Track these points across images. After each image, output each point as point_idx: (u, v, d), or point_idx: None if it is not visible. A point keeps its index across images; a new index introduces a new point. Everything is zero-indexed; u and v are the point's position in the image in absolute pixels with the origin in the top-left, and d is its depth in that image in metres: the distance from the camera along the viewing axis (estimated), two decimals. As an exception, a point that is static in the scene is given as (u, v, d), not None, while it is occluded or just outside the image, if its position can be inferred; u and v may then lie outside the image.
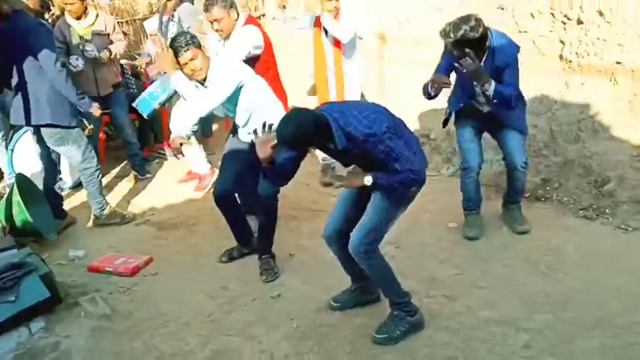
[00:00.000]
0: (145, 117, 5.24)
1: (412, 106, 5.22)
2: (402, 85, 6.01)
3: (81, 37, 4.99)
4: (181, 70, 3.65)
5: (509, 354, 2.86)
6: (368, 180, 2.75)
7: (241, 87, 3.60)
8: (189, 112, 3.86)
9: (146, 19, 7.20)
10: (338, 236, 3.08)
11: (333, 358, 2.90)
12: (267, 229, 3.74)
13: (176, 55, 3.54)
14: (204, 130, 6.19)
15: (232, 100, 3.62)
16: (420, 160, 2.84)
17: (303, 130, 2.61)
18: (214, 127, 6.57)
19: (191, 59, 3.51)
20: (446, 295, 3.36)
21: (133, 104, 5.10)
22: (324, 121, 2.65)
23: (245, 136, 3.78)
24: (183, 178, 5.56)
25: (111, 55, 5.14)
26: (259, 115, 3.56)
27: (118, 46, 5.26)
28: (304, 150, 2.88)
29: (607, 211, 4.23)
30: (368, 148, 2.67)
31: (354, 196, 3.01)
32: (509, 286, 3.46)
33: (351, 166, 3.02)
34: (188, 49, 3.49)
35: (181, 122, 3.98)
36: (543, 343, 2.92)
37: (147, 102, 5.03)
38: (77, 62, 4.80)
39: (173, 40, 3.59)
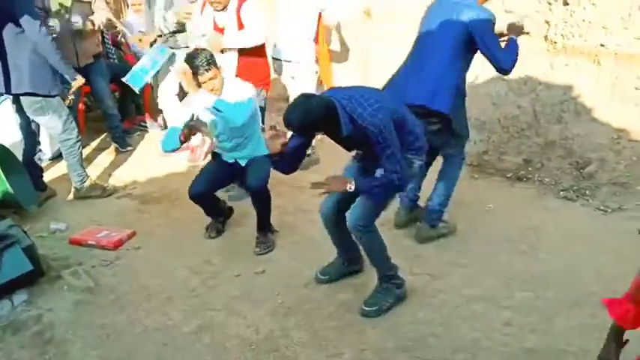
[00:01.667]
0: (137, 91, 5.19)
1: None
2: (387, 61, 5.98)
3: (61, 5, 4.84)
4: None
5: (490, 330, 2.91)
6: (350, 186, 2.79)
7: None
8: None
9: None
10: (334, 215, 3.14)
11: (319, 333, 2.93)
12: (266, 214, 3.82)
13: (195, 73, 3.55)
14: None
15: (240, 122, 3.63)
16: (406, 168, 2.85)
17: (312, 116, 2.63)
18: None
19: (211, 78, 3.55)
20: (429, 273, 3.40)
21: (124, 79, 5.03)
22: (332, 106, 2.66)
23: (229, 158, 3.89)
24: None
25: (94, 26, 5.02)
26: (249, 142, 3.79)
27: (101, 16, 5.14)
28: (312, 135, 2.88)
29: (587, 192, 4.31)
30: (368, 137, 2.68)
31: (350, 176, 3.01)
32: (491, 265, 3.52)
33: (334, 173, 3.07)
34: (209, 69, 3.52)
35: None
36: (524, 320, 2.98)
37: (138, 76, 4.99)
38: (54, 24, 4.65)
39: (193, 58, 3.55)
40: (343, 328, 2.96)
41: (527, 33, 3.66)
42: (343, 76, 6.20)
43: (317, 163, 5.41)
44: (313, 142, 5.71)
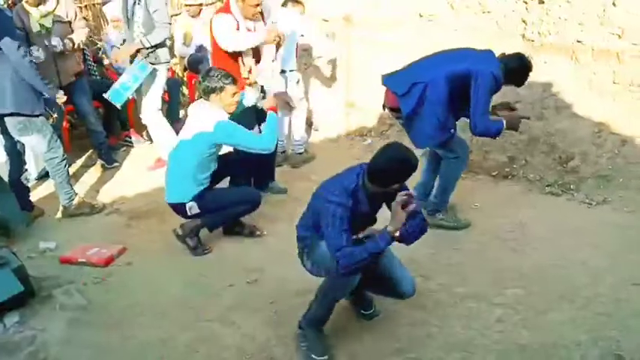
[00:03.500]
0: (119, 107, 5.19)
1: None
2: (369, 67, 6.04)
3: (41, 26, 4.84)
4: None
5: (484, 328, 2.95)
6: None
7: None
8: None
9: (105, 3, 7.03)
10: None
11: (314, 339, 2.93)
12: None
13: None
14: (172, 114, 6.16)
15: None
16: None
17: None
18: (182, 112, 6.51)
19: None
20: (422, 274, 3.42)
21: (105, 95, 5.02)
22: None
23: None
24: (151, 166, 5.50)
25: (74, 46, 5.01)
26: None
27: (80, 35, 5.13)
28: None
29: (572, 186, 4.37)
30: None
31: None
32: (481, 263, 3.56)
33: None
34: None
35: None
36: (516, 316, 3.03)
37: (119, 93, 4.99)
38: (38, 54, 4.66)
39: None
40: (338, 333, 2.98)
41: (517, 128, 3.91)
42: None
43: (313, 160, 5.59)
44: (309, 140, 5.86)
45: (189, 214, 3.86)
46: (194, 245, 3.93)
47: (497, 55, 3.72)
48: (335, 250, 2.57)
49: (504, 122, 3.72)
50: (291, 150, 5.65)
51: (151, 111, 5.26)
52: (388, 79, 3.89)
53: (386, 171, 2.62)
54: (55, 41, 4.85)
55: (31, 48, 4.46)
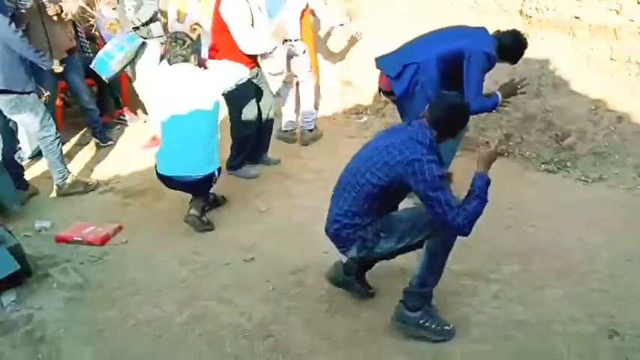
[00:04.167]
0: (106, 80, 5.11)
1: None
2: (365, 45, 6.00)
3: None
4: None
5: (480, 304, 2.97)
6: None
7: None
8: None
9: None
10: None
11: (312, 316, 2.95)
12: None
13: None
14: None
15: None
16: None
17: None
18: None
19: None
20: (418, 252, 3.42)
21: (91, 66, 4.96)
22: None
23: None
24: (146, 144, 5.46)
25: (61, 12, 4.91)
26: None
27: (71, 6, 5.04)
28: None
29: (568, 164, 4.38)
30: None
31: None
32: (477, 240, 3.52)
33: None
34: None
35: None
36: (512, 293, 3.04)
37: (103, 61, 4.88)
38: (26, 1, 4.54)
39: None
40: (335, 310, 2.99)
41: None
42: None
43: (320, 138, 5.47)
44: (317, 115, 5.74)
45: (213, 184, 3.81)
46: (207, 221, 3.91)
47: (491, 32, 3.68)
48: (454, 215, 2.50)
49: (499, 95, 3.70)
50: (300, 126, 5.50)
51: (145, 85, 5.19)
52: (381, 62, 3.86)
53: (454, 120, 2.69)
54: None
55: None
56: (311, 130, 5.43)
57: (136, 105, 6.16)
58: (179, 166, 3.70)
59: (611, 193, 4.05)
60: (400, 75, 3.68)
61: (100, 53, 4.93)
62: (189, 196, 3.92)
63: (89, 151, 5.52)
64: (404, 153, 2.54)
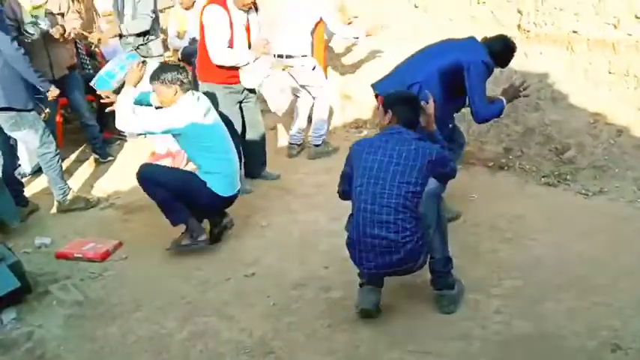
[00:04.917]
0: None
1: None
2: (365, 60, 6.04)
3: (34, 16, 4.78)
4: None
5: (482, 319, 2.95)
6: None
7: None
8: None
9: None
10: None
11: (313, 332, 2.94)
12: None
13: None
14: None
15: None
16: None
17: None
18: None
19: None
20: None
21: (91, 83, 4.97)
22: None
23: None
24: (147, 161, 5.46)
25: (64, 32, 4.94)
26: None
27: (72, 24, 5.07)
28: None
29: (568, 177, 4.38)
30: None
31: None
32: (478, 254, 3.56)
33: None
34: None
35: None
36: (514, 307, 3.03)
37: (104, 80, 4.88)
38: (33, 30, 4.57)
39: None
40: (336, 326, 2.97)
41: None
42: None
43: (334, 152, 5.42)
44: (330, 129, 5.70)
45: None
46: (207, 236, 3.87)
47: (479, 40, 3.72)
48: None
49: (504, 99, 3.75)
50: (308, 141, 5.44)
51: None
52: (379, 88, 3.78)
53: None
54: (43, 21, 4.75)
55: (25, 25, 4.41)
56: (317, 146, 5.37)
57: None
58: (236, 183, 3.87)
59: (612, 207, 4.05)
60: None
61: (101, 72, 4.95)
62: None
63: (89, 166, 5.52)
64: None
